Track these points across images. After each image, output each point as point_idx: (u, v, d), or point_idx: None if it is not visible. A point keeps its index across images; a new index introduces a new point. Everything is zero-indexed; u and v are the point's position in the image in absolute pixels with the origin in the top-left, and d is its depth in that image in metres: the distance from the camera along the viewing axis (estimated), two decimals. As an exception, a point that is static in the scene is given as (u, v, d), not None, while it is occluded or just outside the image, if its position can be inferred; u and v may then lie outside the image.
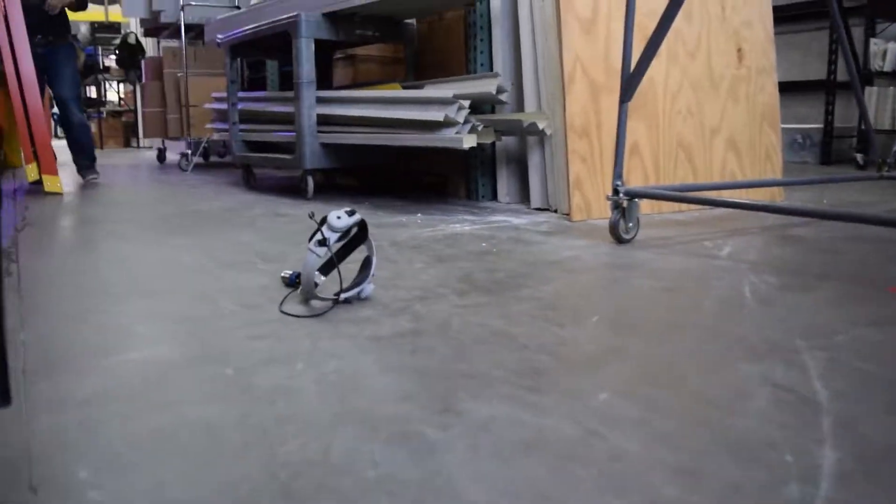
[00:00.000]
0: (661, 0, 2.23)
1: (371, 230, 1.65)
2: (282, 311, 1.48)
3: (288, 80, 4.32)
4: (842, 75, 5.30)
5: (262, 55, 5.03)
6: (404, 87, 3.43)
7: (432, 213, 2.93)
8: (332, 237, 1.50)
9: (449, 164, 3.57)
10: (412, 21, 3.73)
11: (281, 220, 2.80)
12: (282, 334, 1.33)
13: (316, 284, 1.54)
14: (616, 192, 2.19)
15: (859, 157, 5.02)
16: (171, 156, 6.79)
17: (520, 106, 3.13)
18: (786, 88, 4.26)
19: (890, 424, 0.92)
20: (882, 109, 4.99)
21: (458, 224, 2.64)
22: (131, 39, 7.94)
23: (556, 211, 2.90)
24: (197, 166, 5.82)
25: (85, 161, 4.40)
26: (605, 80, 2.74)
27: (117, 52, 8.03)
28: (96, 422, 0.95)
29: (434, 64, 3.67)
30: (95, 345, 1.28)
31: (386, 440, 0.89)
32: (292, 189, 3.88)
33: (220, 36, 4.17)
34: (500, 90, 2.93)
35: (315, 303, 1.54)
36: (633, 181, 2.77)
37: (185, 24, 5.59)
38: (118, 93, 12.60)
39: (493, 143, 3.25)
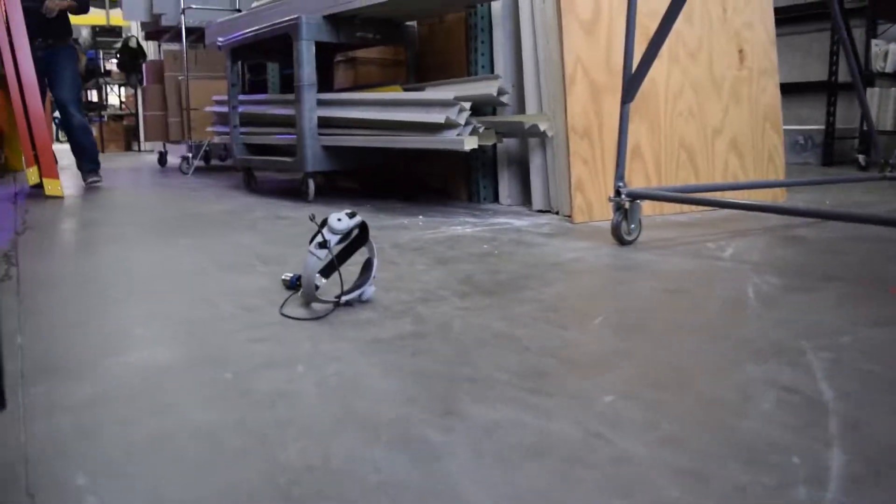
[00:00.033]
0: (661, 1, 2.22)
1: (372, 232, 1.64)
2: (282, 314, 1.47)
3: (289, 84, 4.32)
4: (843, 77, 5.29)
5: (262, 58, 5.03)
6: (405, 90, 3.42)
7: (433, 216, 2.92)
8: (333, 239, 1.49)
9: (450, 167, 3.57)
10: (413, 23, 3.73)
11: (282, 222, 2.80)
12: (282, 337, 1.32)
13: (317, 287, 1.53)
14: (618, 193, 2.18)
15: (861, 158, 5.01)
16: (173, 159, 6.79)
17: (521, 108, 3.12)
18: (787, 90, 4.25)
19: (898, 426, 0.91)
20: (884, 110, 4.98)
21: (460, 226, 2.64)
22: (132, 43, 7.95)
23: (557, 213, 2.89)
24: (198, 170, 5.82)
25: (87, 164, 4.40)
26: (607, 81, 2.73)
27: (118, 55, 8.04)
28: (94, 426, 0.94)
29: (435, 66, 3.66)
30: (94, 348, 1.27)
31: (387, 444, 0.88)
32: (293, 192, 3.87)
33: (220, 39, 4.17)
34: (500, 92, 2.93)
35: (316, 305, 1.53)
36: (635, 183, 2.76)
37: (185, 28, 5.59)
38: (119, 97, 12.63)
39: (495, 145, 3.24)
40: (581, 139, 2.67)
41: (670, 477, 0.79)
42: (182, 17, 5.58)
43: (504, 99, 2.95)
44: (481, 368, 1.14)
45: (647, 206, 2.73)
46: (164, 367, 1.17)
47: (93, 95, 11.37)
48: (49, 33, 4.15)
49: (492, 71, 3.21)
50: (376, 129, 3.24)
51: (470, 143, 2.76)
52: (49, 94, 4.48)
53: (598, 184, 2.70)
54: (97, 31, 11.40)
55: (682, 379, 1.09)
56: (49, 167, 3.86)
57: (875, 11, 5.09)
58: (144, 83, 7.05)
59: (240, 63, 4.70)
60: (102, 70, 11.23)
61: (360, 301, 1.56)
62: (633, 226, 2.20)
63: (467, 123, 2.85)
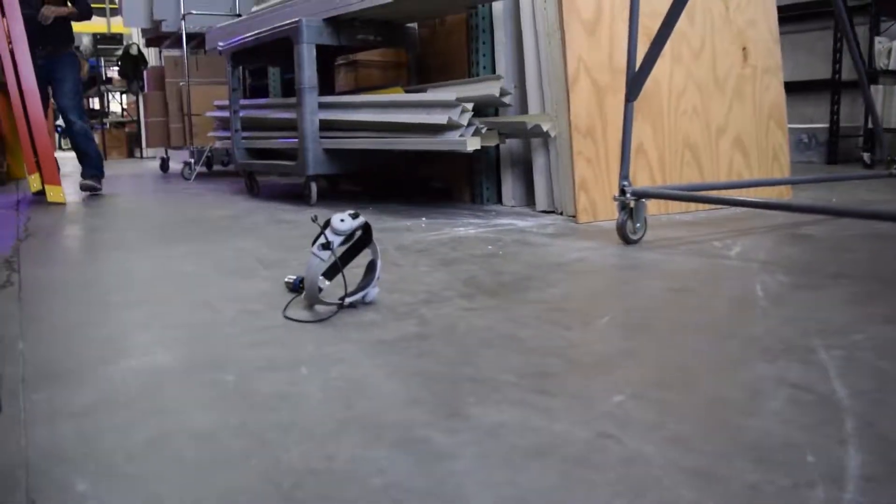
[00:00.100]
0: (663, 1, 2.21)
1: (375, 234, 1.63)
2: (286, 317, 1.45)
3: (290, 87, 4.31)
4: (846, 75, 5.26)
5: (263, 62, 5.03)
6: (407, 91, 3.41)
7: (437, 217, 2.91)
8: (336, 240, 1.47)
9: (453, 168, 3.55)
10: (413, 25, 3.72)
11: (284, 226, 2.78)
12: (285, 339, 1.31)
13: (320, 289, 1.52)
14: (623, 192, 2.16)
15: (866, 156, 4.98)
16: (175, 165, 6.79)
17: (523, 108, 3.11)
18: (790, 88, 4.22)
19: (913, 424, 0.89)
20: (888, 108, 4.95)
21: (463, 227, 2.62)
22: (133, 50, 7.95)
23: (561, 213, 2.88)
24: (200, 175, 5.81)
25: (90, 170, 4.39)
26: (610, 80, 2.71)
27: (119, 62, 8.05)
28: (95, 431, 0.93)
29: (436, 67, 3.65)
30: (95, 353, 1.26)
31: (392, 447, 0.86)
32: (296, 196, 3.86)
33: (221, 44, 4.16)
34: (503, 92, 2.91)
35: (319, 307, 1.51)
36: (639, 182, 2.74)
37: (186, 33, 5.59)
38: (121, 104, 12.65)
39: (497, 146, 3.22)
40: (584, 138, 2.66)
41: (681, 477, 0.77)
42: (182, 22, 5.59)
43: (506, 99, 2.94)
44: (486, 369, 1.12)
45: (651, 206, 2.71)
46: (165, 371, 1.16)
47: (94, 103, 11.39)
48: (50, 41, 4.15)
49: (493, 71, 3.20)
50: (378, 132, 3.23)
51: (472, 144, 2.75)
52: (51, 102, 4.49)
53: (601, 183, 2.69)
54: (98, 38, 11.43)
55: (692, 378, 1.07)
56: (51, 174, 3.86)
57: (879, 9, 5.06)
58: (146, 90, 7.06)
59: (241, 68, 4.70)
60: (104, 77, 11.25)
61: (363, 303, 1.54)
62: (638, 225, 2.18)
63: (469, 124, 2.84)
